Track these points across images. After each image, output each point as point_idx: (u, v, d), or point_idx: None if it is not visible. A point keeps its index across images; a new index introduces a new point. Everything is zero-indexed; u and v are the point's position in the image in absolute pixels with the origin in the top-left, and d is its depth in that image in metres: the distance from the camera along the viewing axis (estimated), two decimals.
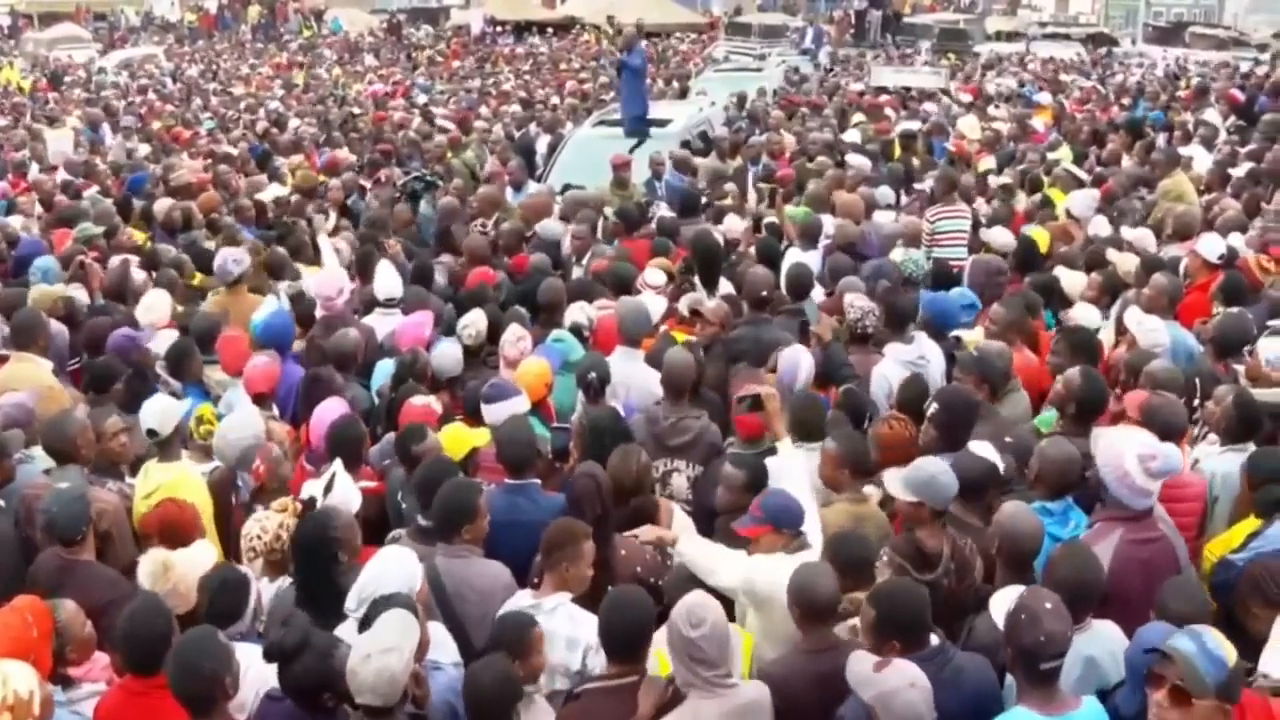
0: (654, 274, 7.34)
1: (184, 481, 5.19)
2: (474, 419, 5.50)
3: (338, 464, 4.83)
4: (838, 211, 9.12)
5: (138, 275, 8.21)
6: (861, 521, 4.65)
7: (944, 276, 7.71)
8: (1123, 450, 4.30)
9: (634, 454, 4.88)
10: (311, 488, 4.69)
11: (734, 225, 9.20)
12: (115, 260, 8.43)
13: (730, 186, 11.10)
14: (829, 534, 4.43)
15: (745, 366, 5.83)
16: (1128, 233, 8.54)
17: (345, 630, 3.75)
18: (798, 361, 5.72)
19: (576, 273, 8.22)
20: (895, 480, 4.47)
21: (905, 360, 6.11)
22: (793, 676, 3.78)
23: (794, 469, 4.75)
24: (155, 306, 7.22)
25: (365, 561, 4.04)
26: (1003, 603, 3.64)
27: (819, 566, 4.03)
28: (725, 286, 7.51)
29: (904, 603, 3.69)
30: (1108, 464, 4.34)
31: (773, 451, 4.99)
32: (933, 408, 5.16)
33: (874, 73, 22.44)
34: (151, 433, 5.35)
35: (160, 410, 5.40)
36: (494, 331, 6.48)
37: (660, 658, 3.76)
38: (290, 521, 4.60)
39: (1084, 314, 6.83)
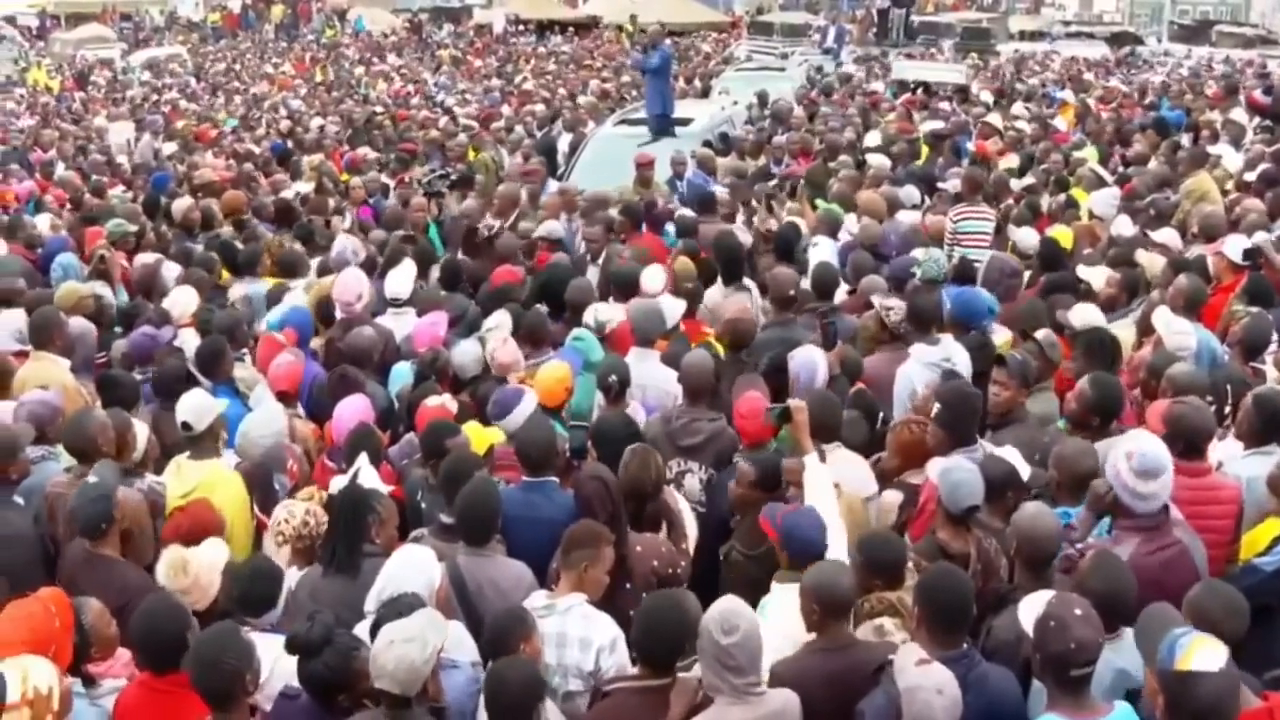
0: (651, 279, 7.14)
1: (220, 478, 5.13)
2: (489, 422, 5.48)
3: (363, 457, 4.85)
4: (860, 210, 9.09)
5: (167, 273, 8.18)
6: None
7: (966, 277, 7.65)
8: (1117, 451, 4.29)
9: (652, 457, 4.84)
10: (339, 484, 4.71)
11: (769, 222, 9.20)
12: (148, 258, 8.42)
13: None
14: None
15: (746, 375, 5.80)
16: (1157, 234, 8.41)
17: (363, 630, 3.76)
18: (814, 361, 5.69)
19: (593, 272, 8.18)
20: (934, 470, 4.51)
21: (930, 361, 6.04)
22: (805, 675, 3.76)
23: (821, 486, 4.64)
24: (181, 303, 7.19)
25: None
26: (1031, 609, 3.60)
27: (836, 565, 4.03)
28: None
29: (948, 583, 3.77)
30: (1109, 469, 4.31)
31: (780, 455, 4.97)
32: (935, 407, 5.12)
33: (895, 67, 22.36)
34: (185, 426, 5.29)
35: (196, 404, 5.33)
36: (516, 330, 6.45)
37: None
38: (317, 509, 4.66)
39: (1083, 314, 6.50)
